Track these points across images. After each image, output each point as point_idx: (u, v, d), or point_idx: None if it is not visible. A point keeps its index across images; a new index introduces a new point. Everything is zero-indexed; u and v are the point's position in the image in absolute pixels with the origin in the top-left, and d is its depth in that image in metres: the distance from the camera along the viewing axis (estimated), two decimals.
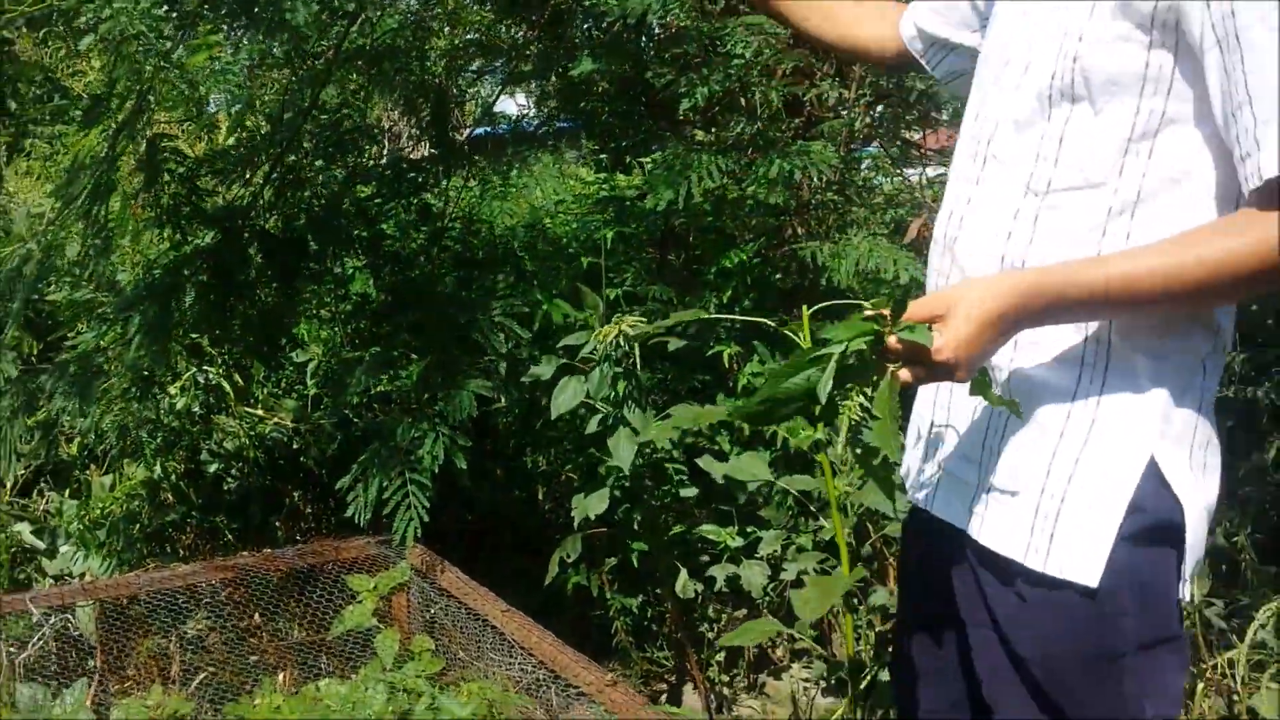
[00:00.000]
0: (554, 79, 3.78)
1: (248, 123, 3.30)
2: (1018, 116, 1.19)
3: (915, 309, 1.08)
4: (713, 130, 3.33)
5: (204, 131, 4.00)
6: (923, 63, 1.53)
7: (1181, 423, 1.14)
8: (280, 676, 2.81)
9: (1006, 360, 1.20)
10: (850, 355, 1.07)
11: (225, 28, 2.62)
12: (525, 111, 4.50)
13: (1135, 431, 1.13)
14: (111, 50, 2.51)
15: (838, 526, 2.10)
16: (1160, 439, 1.13)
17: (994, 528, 1.20)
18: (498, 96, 3.33)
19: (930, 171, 4.33)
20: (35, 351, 3.04)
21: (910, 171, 4.39)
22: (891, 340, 1.07)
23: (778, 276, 2.86)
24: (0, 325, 2.79)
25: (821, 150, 2.70)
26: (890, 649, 1.57)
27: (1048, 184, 1.16)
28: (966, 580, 1.26)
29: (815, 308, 2.02)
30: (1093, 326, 1.14)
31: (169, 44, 2.41)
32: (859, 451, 1.10)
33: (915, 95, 3.47)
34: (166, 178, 2.72)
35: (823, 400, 1.08)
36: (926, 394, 1.34)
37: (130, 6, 2.22)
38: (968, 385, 1.13)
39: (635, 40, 3.51)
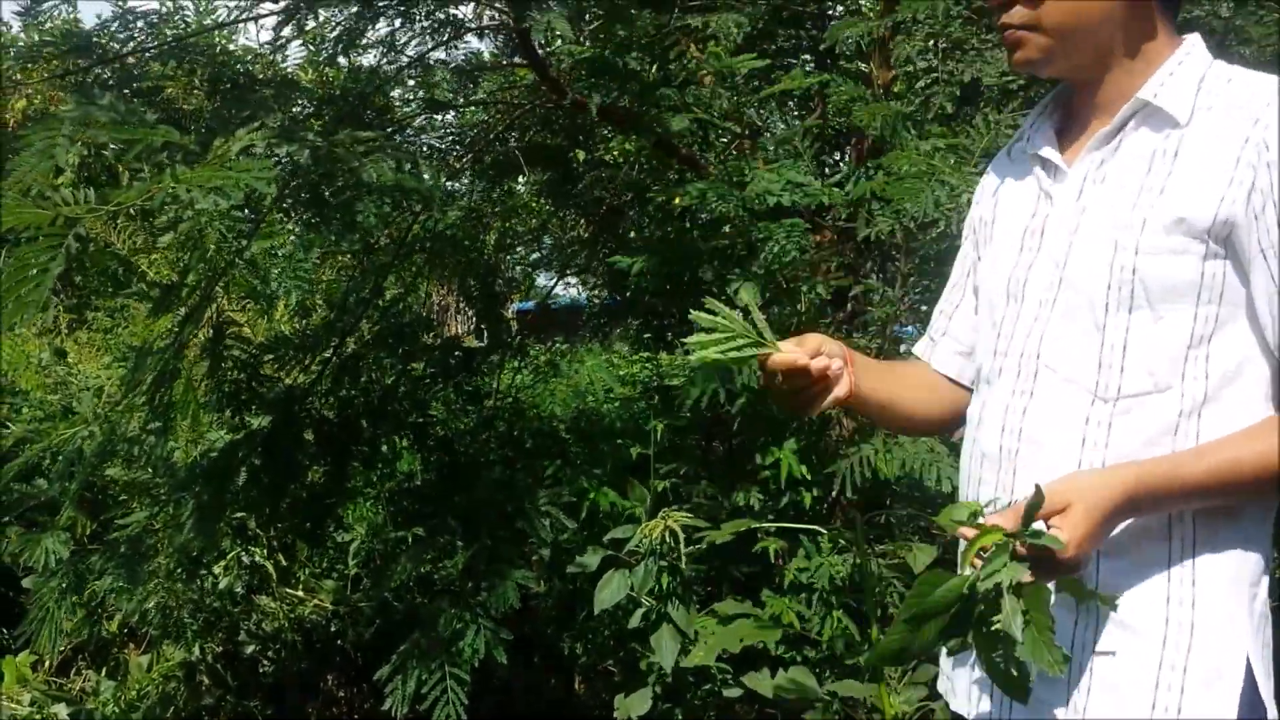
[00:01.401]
0: (601, 268, 3.92)
1: (312, 304, 3.41)
2: (1071, 327, 1.21)
3: (1025, 510, 1.07)
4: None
5: (263, 314, 4.14)
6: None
7: (1262, 586, 1.16)
8: None
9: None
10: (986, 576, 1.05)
11: (296, 225, 2.76)
12: (574, 290, 4.65)
13: (1234, 629, 1.14)
14: (189, 245, 2.64)
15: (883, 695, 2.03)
16: (1253, 637, 1.14)
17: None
18: (557, 282, 3.43)
19: None
20: (88, 531, 3.08)
21: None
22: (1020, 548, 1.05)
23: (826, 472, 2.86)
24: (57, 506, 2.84)
25: (866, 344, 2.75)
26: None
27: (1118, 390, 1.18)
28: None
29: (872, 515, 2.02)
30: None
31: (244, 241, 2.54)
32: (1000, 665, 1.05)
33: None
34: (229, 363, 2.81)
35: (1017, 634, 1.04)
36: None
37: (210, 209, 2.34)
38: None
39: (682, 234, 3.64)
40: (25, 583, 3.24)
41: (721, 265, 3.11)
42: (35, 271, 2.05)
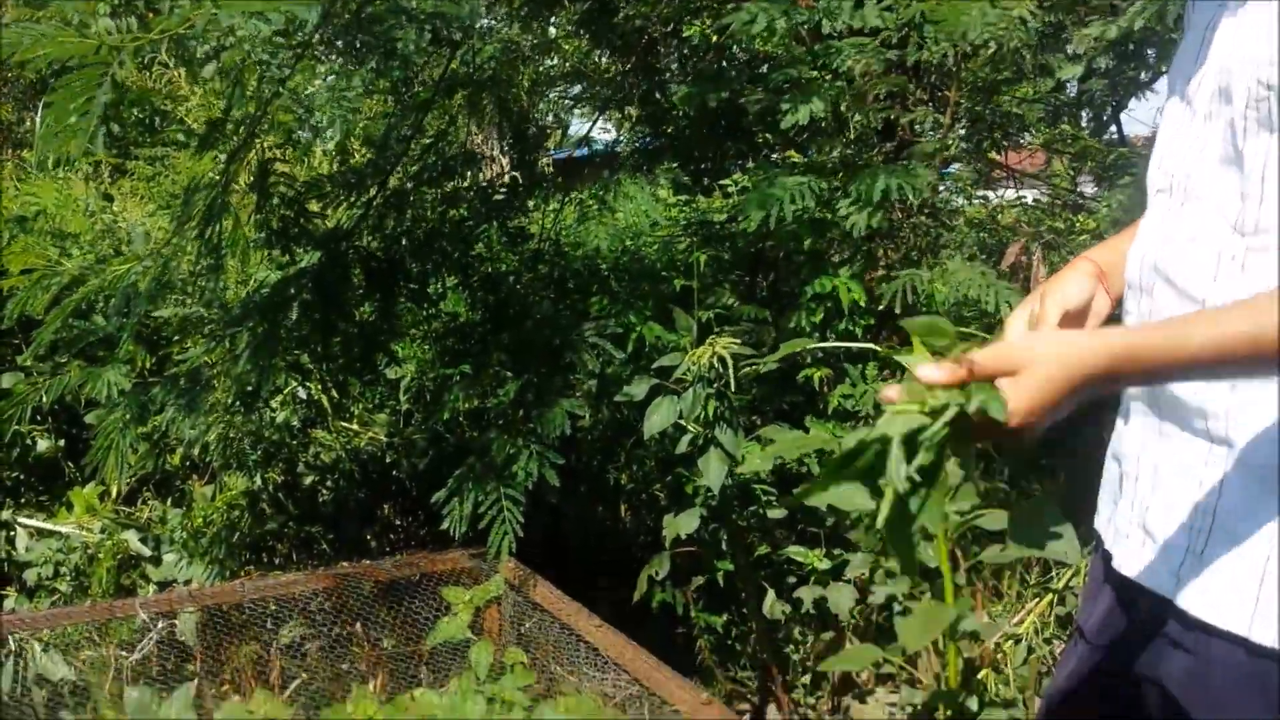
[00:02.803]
0: (638, 105, 3.86)
1: (355, 146, 3.40)
2: (1216, 151, 1.11)
3: (988, 359, 0.98)
4: (793, 155, 3.36)
5: (302, 157, 4.13)
6: None
7: None
8: (372, 684, 2.88)
9: (1223, 407, 1.09)
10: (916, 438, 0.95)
11: (338, 57, 2.73)
12: (608, 134, 4.59)
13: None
14: (231, 78, 2.62)
15: (942, 554, 2.09)
16: None
17: (1209, 598, 1.12)
18: (594, 124, 3.39)
19: (1010, 194, 4.32)
20: (148, 366, 3.17)
21: (990, 193, 4.38)
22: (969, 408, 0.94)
23: (872, 302, 2.87)
24: (115, 342, 2.92)
25: (919, 173, 2.71)
26: (1043, 708, 1.53)
27: (1255, 225, 1.07)
28: (1156, 648, 1.20)
29: (915, 320, 2.03)
30: None
31: (287, 71, 2.51)
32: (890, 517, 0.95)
33: (1003, 116, 3.47)
34: (276, 200, 2.83)
35: (899, 486, 0.95)
36: (1133, 439, 1.23)
37: (252, 35, 2.31)
38: (1178, 439, 1.07)
39: (727, 68, 3.57)
40: (88, 418, 3.35)
41: (771, 95, 3.05)
42: (82, 100, 2.05)
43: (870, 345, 2.16)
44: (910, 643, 1.98)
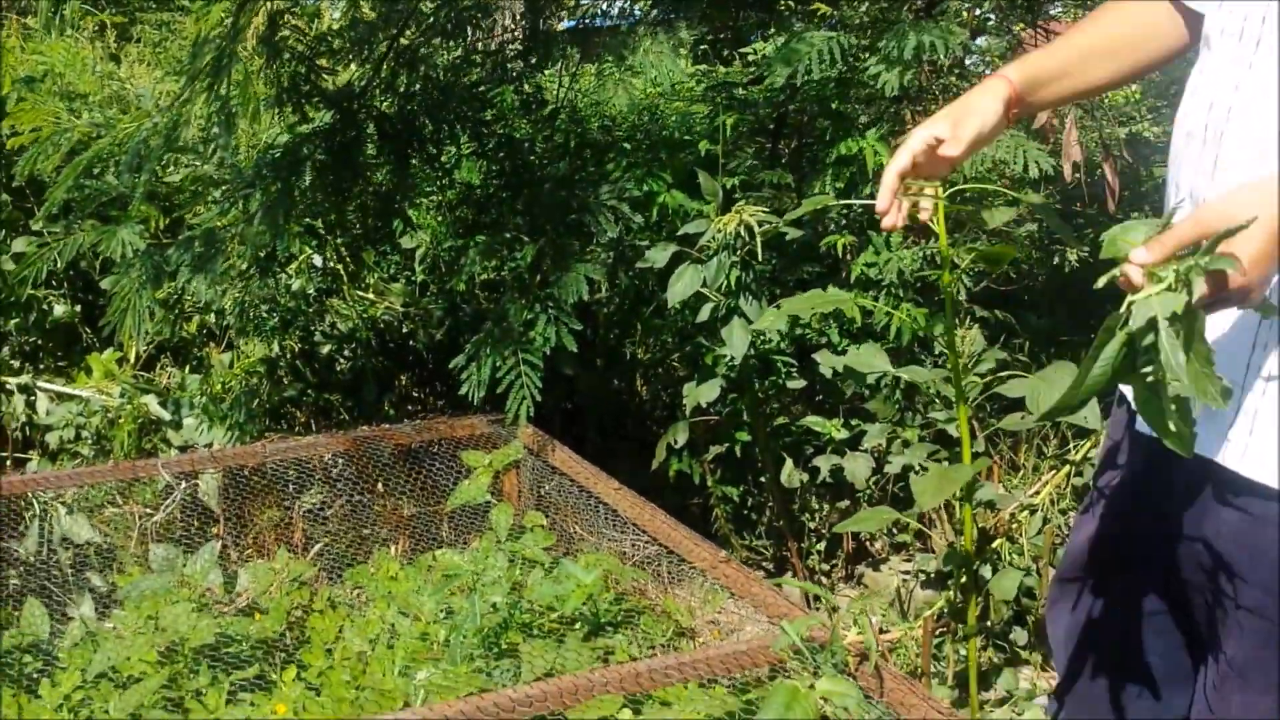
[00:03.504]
0: None
1: (364, 6, 3.28)
2: None
3: (1188, 229, 0.95)
4: (817, 14, 3.23)
5: (311, 20, 4.00)
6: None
7: None
8: (394, 548, 2.92)
9: None
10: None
11: None
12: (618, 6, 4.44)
13: None
14: None
15: (962, 417, 2.07)
16: None
17: (1259, 457, 1.10)
18: None
19: None
20: (161, 227, 3.13)
21: None
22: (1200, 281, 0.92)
23: None
24: (128, 200, 2.87)
25: (949, 28, 2.60)
26: (1067, 559, 1.51)
27: None
28: (1200, 506, 1.19)
29: (955, 189, 1.97)
30: None
31: None
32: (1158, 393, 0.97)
33: None
34: (286, 55, 2.74)
35: (1184, 376, 0.93)
36: None
37: None
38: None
39: None
40: (104, 283, 3.33)
41: None
42: None
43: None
44: (925, 501, 1.97)
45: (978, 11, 2.97)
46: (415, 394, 3.48)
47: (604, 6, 3.69)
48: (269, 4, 2.68)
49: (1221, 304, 0.95)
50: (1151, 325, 0.94)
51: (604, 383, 3.50)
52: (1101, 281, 1.02)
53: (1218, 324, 1.12)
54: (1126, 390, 1.29)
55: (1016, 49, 4.05)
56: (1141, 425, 1.26)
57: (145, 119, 2.72)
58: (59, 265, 2.76)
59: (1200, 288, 0.92)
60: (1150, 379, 0.97)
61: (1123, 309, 0.98)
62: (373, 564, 2.71)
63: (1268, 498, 1.10)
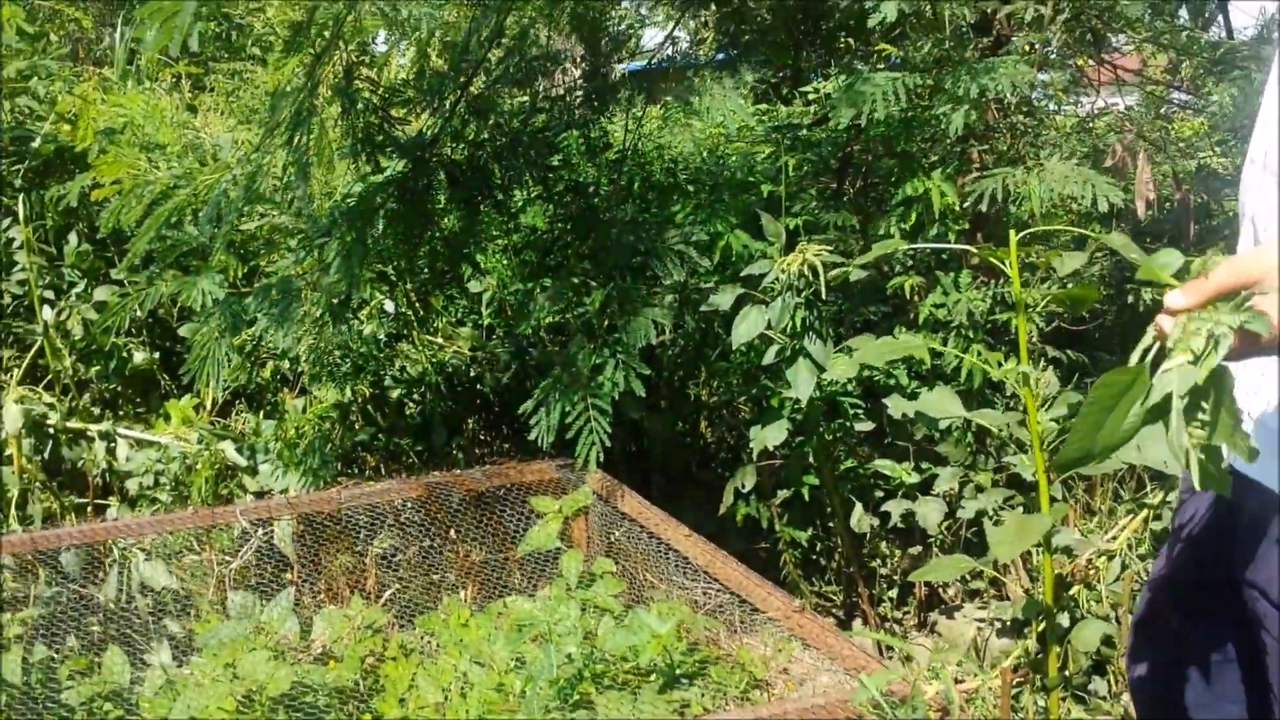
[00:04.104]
0: (715, 7, 3.73)
1: (432, 54, 3.35)
2: None
3: (1226, 276, 0.95)
4: (882, 55, 3.23)
5: (380, 67, 4.10)
6: None
7: None
8: (463, 593, 2.93)
9: None
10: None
11: None
12: (679, 44, 4.48)
13: None
14: None
15: (1039, 464, 2.03)
16: None
17: None
18: (675, 24, 3.29)
19: (1106, 99, 4.12)
20: (239, 276, 3.21)
21: (1083, 98, 4.19)
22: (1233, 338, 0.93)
23: (964, 205, 2.77)
24: (207, 253, 2.95)
25: (1017, 68, 2.58)
26: (1145, 605, 1.49)
27: None
28: (1254, 535, 1.17)
29: (1028, 232, 1.94)
30: None
31: None
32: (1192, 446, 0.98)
33: (1104, 10, 3.29)
34: (360, 107, 2.80)
35: (1180, 456, 0.97)
36: None
37: None
38: None
39: None
40: (183, 331, 3.42)
41: None
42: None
43: (968, 248, 2.08)
44: (1002, 552, 1.94)
45: (1046, 48, 2.94)
46: (483, 437, 3.50)
47: (668, 51, 3.73)
48: (344, 57, 2.75)
49: (1254, 353, 0.96)
50: (1167, 401, 0.96)
51: (669, 425, 3.50)
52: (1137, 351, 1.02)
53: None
54: None
55: (1080, 81, 4.01)
56: None
57: (224, 171, 2.79)
58: (141, 313, 2.83)
59: (1230, 342, 0.94)
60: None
61: (1133, 358, 1.00)
62: (443, 610, 2.73)
63: None
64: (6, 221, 3.62)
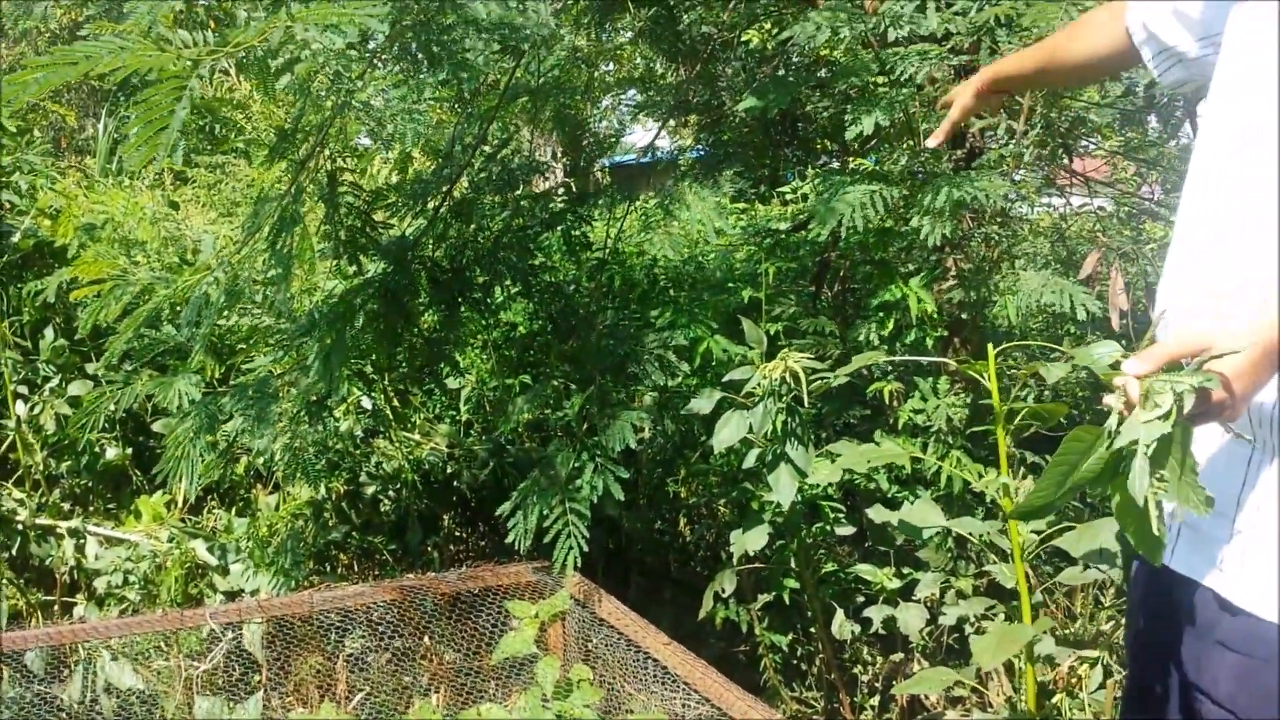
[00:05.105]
0: (697, 112, 3.83)
1: (415, 154, 3.40)
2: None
3: (1178, 345, 1.02)
4: (860, 161, 3.31)
5: (363, 167, 4.15)
6: (1150, 68, 1.47)
7: None
8: (434, 698, 2.87)
9: (1271, 395, 1.11)
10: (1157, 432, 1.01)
11: (405, 67, 2.72)
12: (662, 141, 4.57)
13: None
14: (301, 89, 2.63)
15: (1020, 573, 2.04)
16: None
17: (1247, 586, 1.14)
18: (659, 132, 3.36)
19: (1077, 201, 4.23)
20: (217, 375, 3.19)
21: (1055, 200, 4.30)
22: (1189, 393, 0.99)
23: (941, 312, 2.82)
24: (184, 351, 2.93)
25: (989, 180, 2.65)
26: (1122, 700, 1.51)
27: None
28: (1195, 636, 1.21)
29: (1005, 347, 1.97)
30: None
31: (359, 84, 2.51)
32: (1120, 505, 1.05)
33: (1073, 121, 3.40)
34: (344, 210, 2.83)
35: (1140, 500, 1.02)
36: None
37: (326, 48, 2.31)
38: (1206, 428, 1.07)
39: (786, 74, 3.52)
40: (156, 426, 3.38)
41: (834, 102, 3.00)
42: (163, 114, 2.06)
43: (946, 360, 2.11)
44: (985, 661, 1.93)
45: (1019, 160, 3.03)
46: (459, 534, 3.47)
47: (646, 151, 3.80)
48: (328, 164, 2.79)
49: (1204, 418, 1.01)
50: (1133, 448, 1.01)
51: (648, 523, 3.48)
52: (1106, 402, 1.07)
53: (1209, 452, 1.20)
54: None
55: (1051, 184, 4.12)
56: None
57: (205, 272, 2.79)
58: (115, 411, 2.81)
59: (1192, 399, 0.99)
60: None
61: (1109, 422, 1.05)
62: (413, 715, 2.67)
63: (1266, 633, 1.11)
64: None
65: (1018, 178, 4.02)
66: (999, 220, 3.01)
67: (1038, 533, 2.18)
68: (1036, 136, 3.51)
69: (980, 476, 2.21)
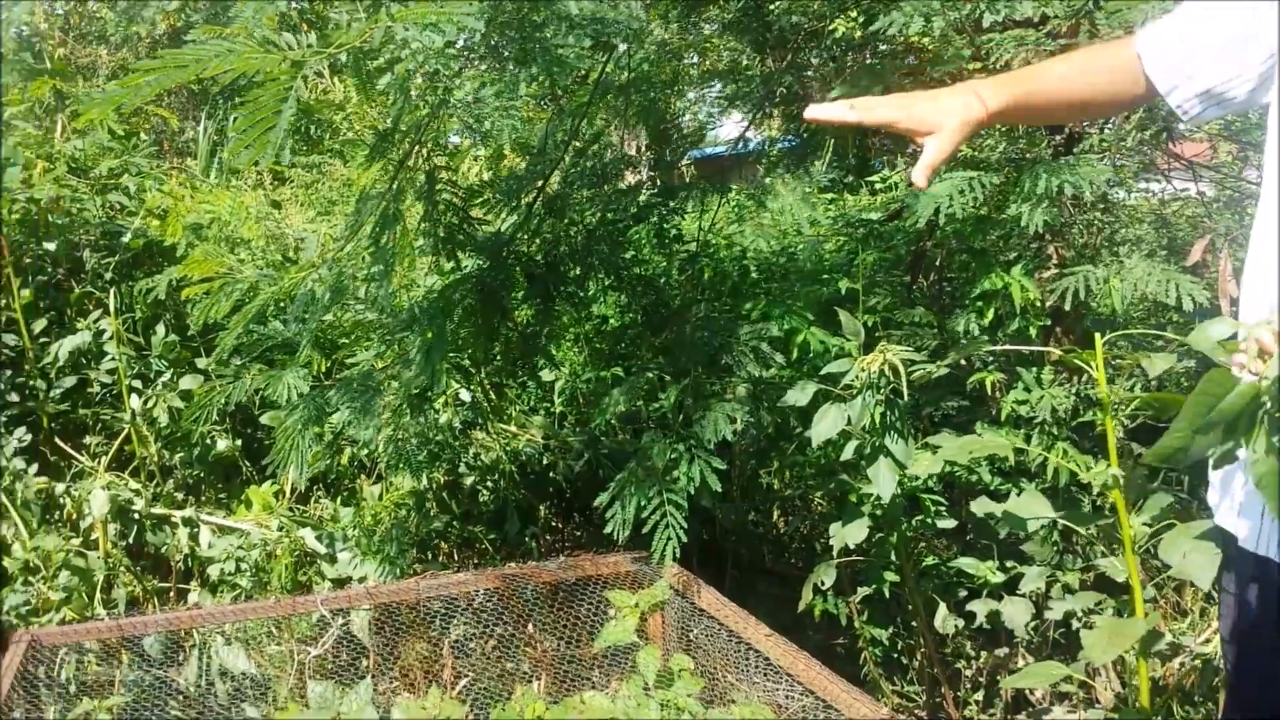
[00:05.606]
0: (782, 103, 3.80)
1: (507, 151, 3.45)
2: None
3: None
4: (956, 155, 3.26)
5: (456, 161, 4.22)
6: (1174, 107, 1.45)
7: None
8: (535, 685, 2.92)
9: None
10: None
11: (500, 64, 2.76)
12: (747, 132, 4.56)
13: None
14: (400, 89, 2.68)
15: (1132, 567, 2.00)
16: None
17: None
18: (750, 124, 3.35)
19: (1178, 186, 4.10)
20: (323, 369, 3.28)
21: (1154, 185, 4.17)
22: None
23: (1044, 301, 2.76)
24: (291, 346, 3.03)
25: (1091, 166, 2.59)
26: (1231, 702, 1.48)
27: None
28: None
29: (1113, 336, 1.93)
30: None
31: (457, 82, 2.56)
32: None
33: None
34: (442, 207, 2.89)
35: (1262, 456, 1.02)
36: None
37: (426, 47, 2.36)
38: None
39: (878, 62, 3.48)
40: (264, 419, 3.50)
41: (927, 89, 2.96)
42: (270, 114, 2.12)
43: (1052, 349, 2.07)
44: (1097, 656, 1.90)
45: (1120, 143, 2.95)
46: (555, 524, 3.52)
47: (735, 143, 3.79)
48: (425, 164, 2.84)
49: None
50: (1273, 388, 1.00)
51: (742, 515, 3.49)
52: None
53: None
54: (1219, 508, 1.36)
55: (1150, 168, 4.00)
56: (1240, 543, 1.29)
57: (311, 269, 2.88)
58: (229, 406, 2.91)
59: None
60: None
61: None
62: (516, 701, 2.71)
63: None
64: (98, 313, 3.76)
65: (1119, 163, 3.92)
66: (1101, 206, 2.94)
67: (1149, 524, 2.13)
68: (1139, 120, 3.42)
69: (1088, 468, 2.16)
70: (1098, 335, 1.95)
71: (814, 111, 1.49)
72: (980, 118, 1.43)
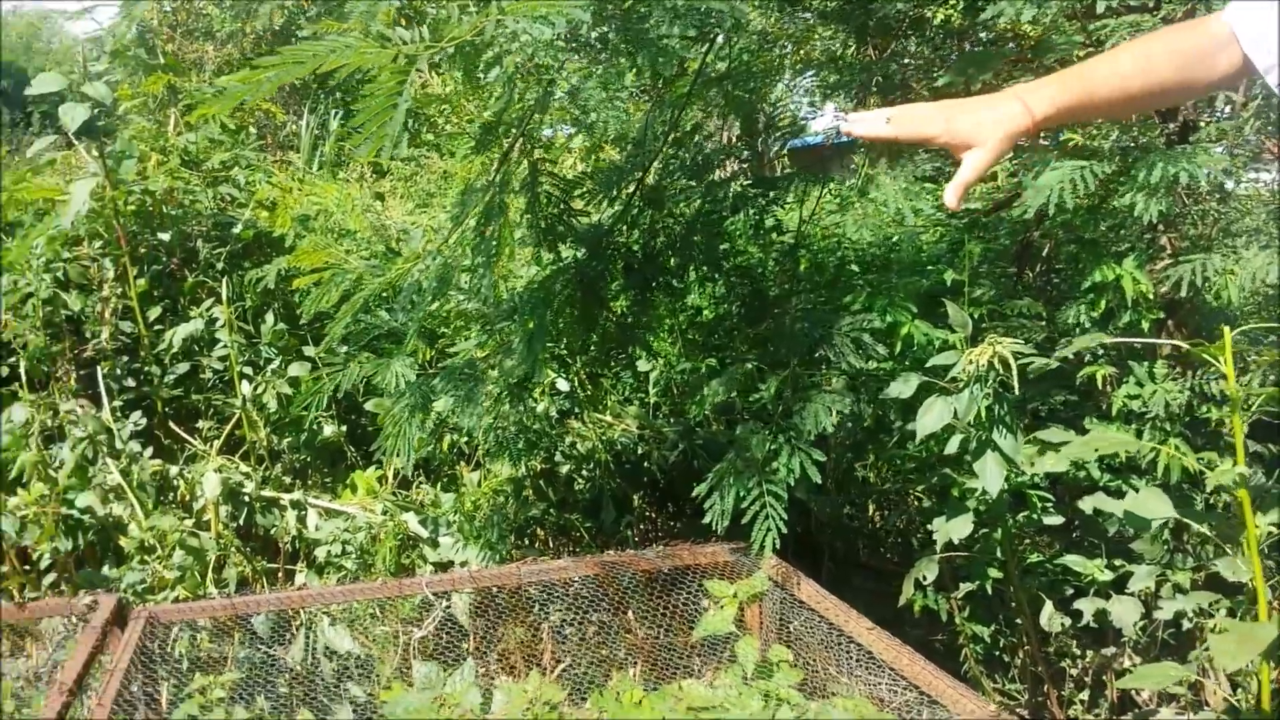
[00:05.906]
0: (881, 92, 3.75)
1: (604, 143, 3.48)
2: None
3: None
4: (1071, 135, 3.18)
5: (554, 157, 4.26)
6: (1274, 85, 1.36)
7: None
8: (632, 672, 2.94)
9: None
10: None
11: (605, 55, 2.78)
12: (841, 122, 4.50)
13: None
14: (508, 81, 2.72)
15: (1257, 568, 1.94)
16: None
17: None
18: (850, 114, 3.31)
19: None
20: (428, 358, 3.36)
21: (1265, 176, 4.01)
22: None
23: (1158, 293, 2.69)
24: (397, 335, 3.09)
25: (1209, 154, 2.51)
26: None
27: None
28: None
29: (1242, 329, 1.87)
30: None
31: (561, 75, 2.58)
32: None
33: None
34: (543, 199, 2.92)
35: None
36: None
37: (535, 39, 2.39)
38: None
39: (986, 49, 3.42)
40: (369, 405, 3.59)
41: (1035, 77, 2.89)
42: (387, 107, 2.17)
43: (1178, 342, 2.01)
44: (1227, 662, 1.85)
45: (1237, 133, 2.85)
46: (650, 514, 3.54)
47: (835, 133, 3.76)
48: (528, 157, 2.88)
49: None
50: None
51: (838, 508, 3.47)
52: None
53: None
54: None
55: (1259, 156, 3.86)
56: None
57: (417, 260, 2.94)
58: (339, 394, 2.99)
59: None
60: None
61: None
62: (614, 687, 2.74)
63: None
64: (210, 301, 3.90)
65: (1219, 150, 3.79)
66: (1217, 196, 2.84)
67: (1276, 526, 2.07)
68: (1257, 107, 3.29)
69: (1211, 466, 2.10)
70: (1226, 329, 1.90)
71: (852, 123, 1.46)
72: (1025, 127, 1.37)
